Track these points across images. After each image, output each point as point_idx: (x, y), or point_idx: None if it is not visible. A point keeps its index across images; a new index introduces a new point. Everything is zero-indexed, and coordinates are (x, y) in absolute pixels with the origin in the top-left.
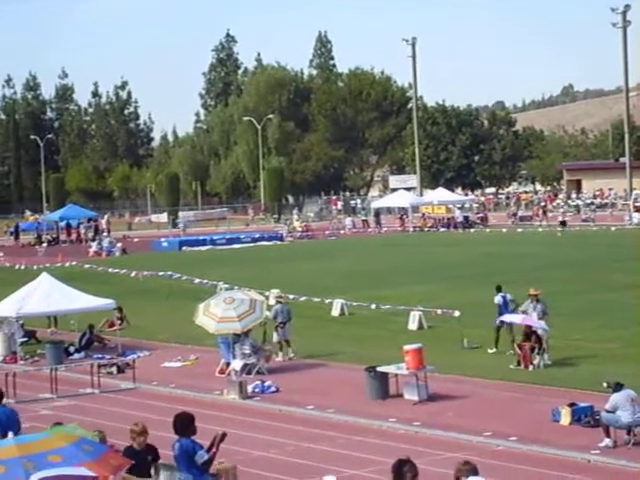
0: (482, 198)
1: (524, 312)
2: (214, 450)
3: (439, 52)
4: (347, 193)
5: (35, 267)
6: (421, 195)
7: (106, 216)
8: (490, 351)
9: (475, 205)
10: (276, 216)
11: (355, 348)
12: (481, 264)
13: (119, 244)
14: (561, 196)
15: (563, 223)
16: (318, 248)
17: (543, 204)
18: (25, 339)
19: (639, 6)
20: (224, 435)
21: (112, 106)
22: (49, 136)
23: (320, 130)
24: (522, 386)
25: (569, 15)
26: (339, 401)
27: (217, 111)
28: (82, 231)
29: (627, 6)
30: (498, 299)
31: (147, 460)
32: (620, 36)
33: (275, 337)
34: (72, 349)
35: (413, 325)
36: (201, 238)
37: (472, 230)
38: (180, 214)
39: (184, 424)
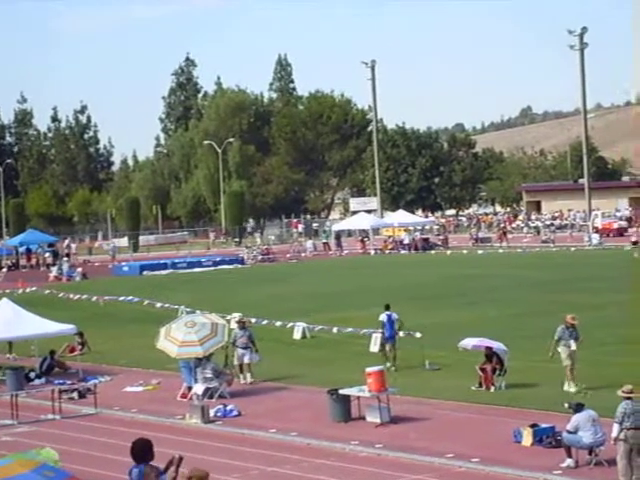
0: (442, 220)
1: (559, 339)
2: (174, 475)
3: (399, 75)
4: (308, 216)
5: None
6: (382, 217)
7: (67, 240)
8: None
9: (435, 227)
10: (237, 240)
11: (317, 371)
12: (442, 286)
13: (79, 269)
14: (521, 217)
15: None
16: (279, 271)
17: (502, 226)
18: None
19: (596, 29)
20: (181, 459)
21: (72, 130)
22: (8, 161)
23: (280, 153)
24: (484, 407)
25: (527, 38)
26: (301, 424)
27: (177, 135)
28: (45, 255)
29: (584, 28)
30: (383, 317)
31: None
32: (578, 58)
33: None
34: (33, 375)
35: (375, 347)
36: (162, 262)
37: (433, 252)
38: (112, 240)
39: (144, 450)
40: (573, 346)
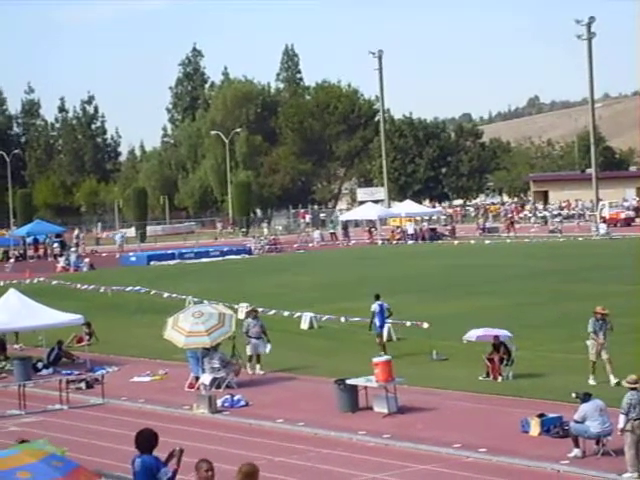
0: (450, 210)
1: (593, 332)
2: (176, 467)
3: (406, 65)
4: (315, 206)
5: (2, 283)
6: (389, 207)
7: (76, 231)
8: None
9: (443, 217)
10: (244, 230)
11: (324, 361)
12: (450, 276)
13: (87, 259)
14: (528, 207)
15: None
16: (287, 261)
17: (510, 215)
18: None
19: (603, 18)
20: (182, 451)
21: (79, 121)
22: (16, 151)
23: (287, 143)
24: (491, 397)
25: (534, 27)
26: (309, 414)
27: (184, 125)
28: (53, 245)
29: (592, 18)
30: (375, 307)
31: None
32: (585, 48)
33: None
34: (40, 365)
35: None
36: (169, 252)
37: (440, 242)
38: (120, 230)
39: (149, 441)
40: (601, 339)
